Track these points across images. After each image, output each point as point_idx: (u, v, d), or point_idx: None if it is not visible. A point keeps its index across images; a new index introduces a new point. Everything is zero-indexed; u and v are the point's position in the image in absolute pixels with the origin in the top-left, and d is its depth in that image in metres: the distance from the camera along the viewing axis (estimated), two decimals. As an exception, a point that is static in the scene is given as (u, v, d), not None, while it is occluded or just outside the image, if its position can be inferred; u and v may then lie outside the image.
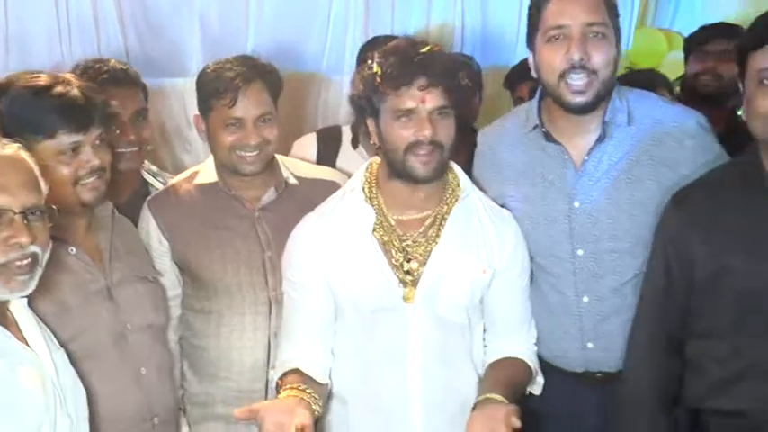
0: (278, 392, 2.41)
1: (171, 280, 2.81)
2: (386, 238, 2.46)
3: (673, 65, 4.38)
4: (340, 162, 3.44)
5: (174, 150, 4.33)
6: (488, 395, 2.30)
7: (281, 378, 2.46)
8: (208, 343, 2.80)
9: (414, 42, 2.43)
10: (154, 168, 3.19)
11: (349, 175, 2.97)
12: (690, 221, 2.34)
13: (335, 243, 2.48)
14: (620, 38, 2.52)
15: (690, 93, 3.84)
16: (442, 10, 4.68)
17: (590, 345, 2.59)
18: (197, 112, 2.80)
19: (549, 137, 2.57)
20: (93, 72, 2.88)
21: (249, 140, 2.69)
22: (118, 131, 2.81)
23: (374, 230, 2.46)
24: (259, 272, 2.76)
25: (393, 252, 2.45)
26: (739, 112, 3.96)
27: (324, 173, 3.00)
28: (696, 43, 3.92)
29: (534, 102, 2.62)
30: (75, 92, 2.34)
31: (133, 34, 4.19)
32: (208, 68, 2.76)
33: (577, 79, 2.43)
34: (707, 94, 3.75)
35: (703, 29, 4.02)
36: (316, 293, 2.49)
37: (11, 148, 2.02)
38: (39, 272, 2.03)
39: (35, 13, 4.03)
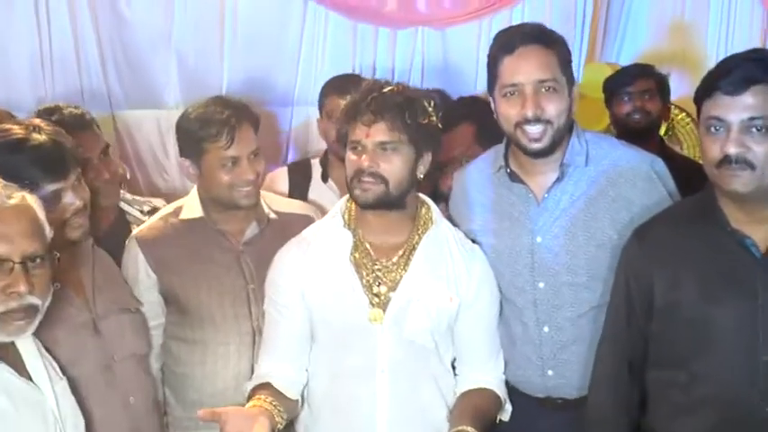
0: (247, 402, 2.45)
1: (155, 310, 2.82)
2: (360, 261, 2.52)
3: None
4: (311, 195, 3.50)
5: (150, 177, 4.37)
6: (460, 428, 2.36)
7: (252, 389, 2.51)
8: (193, 371, 2.82)
9: (378, 83, 2.50)
10: (128, 196, 3.18)
11: (321, 209, 3.08)
12: (650, 254, 2.37)
13: (314, 264, 2.53)
14: (573, 84, 2.59)
15: (622, 130, 3.98)
16: (404, 45, 4.76)
17: (550, 372, 2.64)
18: (182, 158, 2.81)
19: (513, 176, 2.63)
20: (52, 123, 2.76)
21: (247, 176, 2.73)
22: (92, 174, 2.80)
23: (351, 253, 2.52)
24: (243, 303, 2.79)
25: (365, 274, 2.51)
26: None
27: (298, 207, 3.04)
28: (620, 85, 4.05)
29: (502, 145, 2.68)
30: (47, 141, 2.31)
31: (113, 70, 4.23)
32: (190, 114, 2.77)
33: (533, 129, 2.50)
34: (639, 130, 3.91)
35: (623, 72, 4.17)
36: (293, 312, 2.54)
37: (16, 198, 1.99)
38: (38, 318, 2.01)
39: (19, 50, 4.07)
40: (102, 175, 2.89)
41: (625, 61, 4.95)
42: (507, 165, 2.65)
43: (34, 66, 4.09)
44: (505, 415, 2.64)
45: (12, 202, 1.98)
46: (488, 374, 2.62)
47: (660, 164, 2.65)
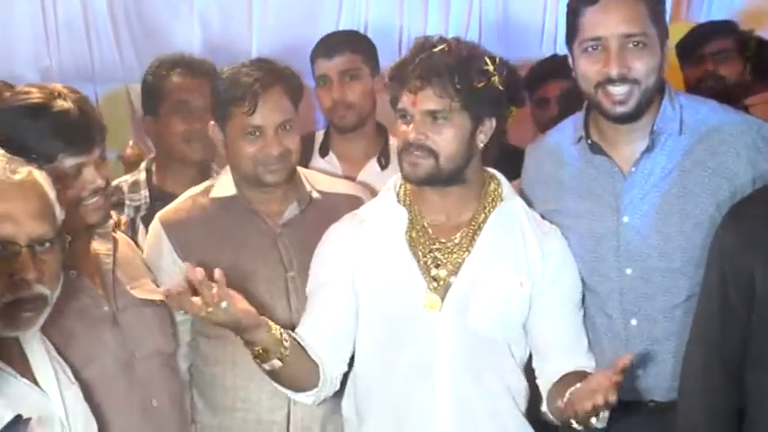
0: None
1: None
2: (417, 241, 2.53)
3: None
4: None
5: None
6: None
7: None
8: (223, 371, 2.81)
9: (428, 41, 2.50)
10: None
11: (372, 190, 3.08)
12: (750, 237, 2.33)
13: (366, 243, 2.56)
14: (666, 38, 2.55)
15: None
16: (458, 8, 4.75)
17: (639, 371, 2.62)
18: (212, 122, 2.83)
19: (595, 148, 2.61)
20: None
21: (271, 150, 2.72)
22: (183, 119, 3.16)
23: (406, 232, 2.53)
24: (281, 294, 2.78)
25: (420, 254, 2.51)
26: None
27: (345, 187, 3.05)
28: (690, 47, 3.99)
29: (581, 113, 2.67)
30: (73, 108, 2.31)
31: (127, 36, 4.26)
32: (223, 73, 2.79)
33: (617, 90, 2.48)
34: (714, 99, 3.77)
35: (694, 31, 4.12)
36: (340, 293, 2.55)
37: (21, 173, 1.93)
38: (47, 310, 1.97)
39: (20, 15, 4.10)
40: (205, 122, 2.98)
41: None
42: (588, 135, 2.63)
43: (37, 32, 4.13)
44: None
45: (17, 177, 1.92)
46: (579, 363, 2.57)
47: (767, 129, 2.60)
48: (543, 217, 2.64)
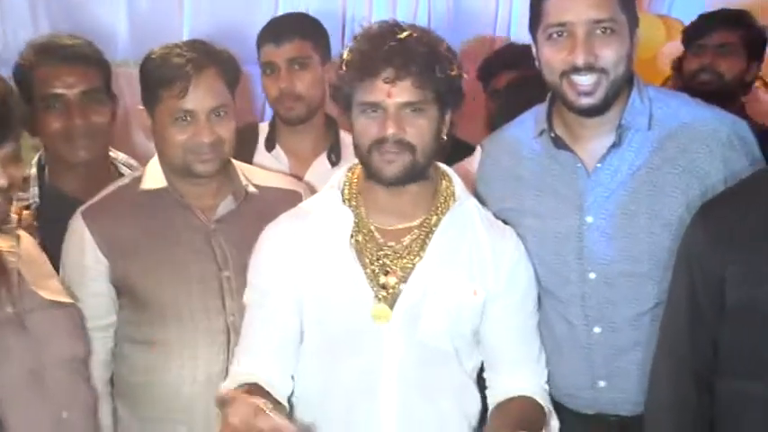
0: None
1: (105, 305, 2.77)
2: (363, 246, 2.49)
3: (671, 56, 4.42)
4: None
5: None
6: None
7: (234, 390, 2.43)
8: (153, 380, 2.77)
9: (391, 26, 2.45)
10: (133, 162, 3.18)
11: (310, 185, 3.06)
12: (719, 237, 2.32)
13: (308, 247, 2.50)
14: (636, 26, 2.53)
15: (690, 93, 3.81)
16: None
17: (601, 383, 2.61)
18: (141, 107, 2.78)
19: (558, 142, 2.60)
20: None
21: (202, 137, 2.68)
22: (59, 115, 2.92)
23: (351, 236, 2.49)
24: (215, 294, 2.75)
25: (368, 261, 2.47)
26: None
27: (283, 181, 3.03)
28: (693, 36, 3.96)
29: (543, 105, 2.65)
30: None
31: (44, 16, 4.18)
32: (153, 54, 2.74)
33: (583, 80, 2.46)
34: (708, 94, 3.66)
35: (701, 18, 4.06)
36: (281, 302, 2.50)
37: None
38: None
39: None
40: (71, 118, 2.93)
41: (680, 13, 4.90)
42: (551, 128, 2.61)
43: None
44: None
45: None
46: (528, 381, 2.57)
47: (743, 127, 2.59)
48: (498, 217, 2.62)
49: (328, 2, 4.59)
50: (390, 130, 2.37)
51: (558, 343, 2.62)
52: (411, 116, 2.38)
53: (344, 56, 2.43)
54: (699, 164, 2.52)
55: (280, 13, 4.45)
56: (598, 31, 2.44)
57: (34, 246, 2.61)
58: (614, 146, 2.55)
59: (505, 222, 2.61)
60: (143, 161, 3.00)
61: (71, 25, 4.14)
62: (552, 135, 2.60)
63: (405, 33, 2.40)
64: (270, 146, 3.49)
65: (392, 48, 2.36)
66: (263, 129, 3.54)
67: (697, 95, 3.54)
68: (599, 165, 2.56)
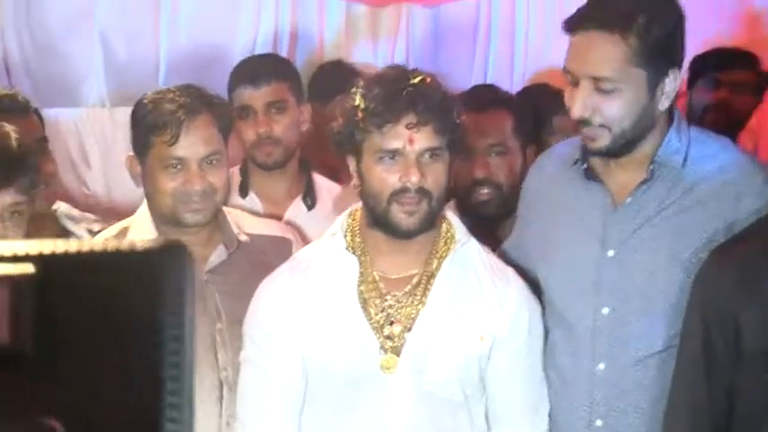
0: None
1: None
2: (366, 295, 2.44)
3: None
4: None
5: (66, 191, 4.10)
6: None
7: None
8: None
9: (403, 71, 2.44)
10: (75, 212, 3.08)
11: (300, 231, 3.03)
12: (736, 279, 2.27)
13: (310, 298, 2.46)
14: (665, 74, 2.39)
15: (695, 125, 3.82)
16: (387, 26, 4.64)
17: (599, 422, 2.52)
18: (130, 152, 2.71)
19: (589, 173, 2.55)
20: None
21: (193, 185, 2.60)
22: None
23: (357, 285, 2.46)
24: (207, 348, 2.65)
25: (372, 312, 2.42)
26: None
27: (273, 228, 2.96)
28: (706, 69, 3.89)
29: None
30: (10, 142, 2.33)
31: (18, 56, 4.08)
32: (145, 98, 2.68)
33: (585, 131, 2.43)
34: (716, 129, 3.63)
35: (719, 52, 4.01)
36: (288, 364, 2.46)
37: None
38: None
39: None
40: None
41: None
42: (585, 159, 2.56)
43: None
44: None
45: None
46: None
47: None
48: (521, 238, 2.65)
49: (307, 35, 4.47)
50: (414, 178, 2.33)
51: (562, 376, 2.56)
52: (429, 162, 2.37)
53: (356, 101, 2.37)
54: (728, 210, 2.46)
55: (259, 48, 4.35)
56: (602, 87, 2.37)
57: None
58: (645, 181, 2.50)
59: (542, 248, 2.61)
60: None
61: (42, 64, 4.11)
62: (584, 167, 2.56)
63: (418, 78, 2.38)
64: (243, 192, 3.37)
65: (411, 93, 2.34)
66: (234, 174, 3.38)
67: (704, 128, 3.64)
68: (628, 199, 2.51)
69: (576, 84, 2.42)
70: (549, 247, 2.60)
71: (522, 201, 2.77)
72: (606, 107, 2.39)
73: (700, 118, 3.80)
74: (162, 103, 2.61)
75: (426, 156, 2.35)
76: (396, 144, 2.33)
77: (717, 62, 3.90)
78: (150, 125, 2.60)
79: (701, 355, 2.30)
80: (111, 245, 0.90)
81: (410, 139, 2.32)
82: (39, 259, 0.88)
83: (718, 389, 2.29)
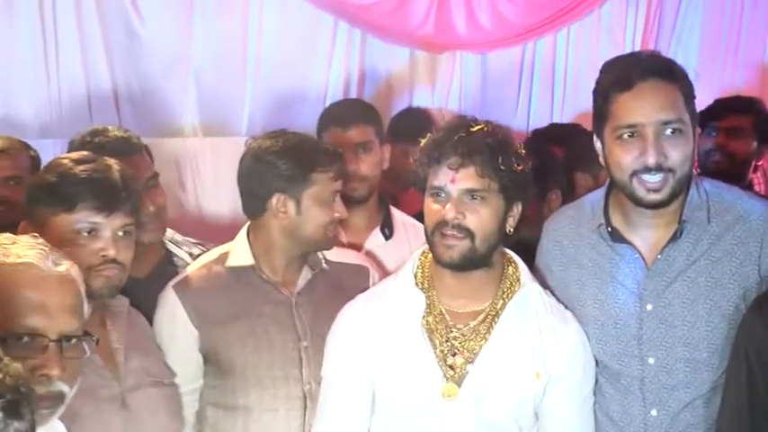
0: None
1: (193, 372, 2.74)
2: (433, 327, 2.45)
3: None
4: None
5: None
6: None
7: None
8: None
9: (467, 120, 2.45)
10: (178, 237, 3.11)
11: (375, 259, 3.07)
12: None
13: (382, 328, 2.47)
14: (697, 123, 2.47)
15: (702, 170, 3.82)
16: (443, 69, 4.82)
17: None
18: (278, 193, 2.78)
19: (615, 236, 2.52)
20: (93, 146, 2.81)
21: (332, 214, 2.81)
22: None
23: (423, 317, 2.45)
24: (294, 363, 2.71)
25: (437, 342, 2.43)
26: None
27: (350, 256, 2.98)
28: (707, 118, 3.89)
29: (600, 197, 2.58)
30: (112, 173, 2.33)
31: (125, 92, 4.24)
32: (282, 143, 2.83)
33: (653, 178, 2.38)
34: (719, 172, 3.70)
35: (716, 103, 4.04)
36: (357, 382, 2.49)
37: (63, 266, 1.84)
38: (62, 408, 1.83)
39: (22, 69, 4.09)
40: (145, 206, 2.78)
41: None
42: (608, 222, 2.53)
43: (39, 86, 4.09)
44: None
45: (59, 269, 1.82)
46: None
47: None
48: (560, 301, 2.55)
49: (374, 77, 4.65)
50: (450, 214, 2.34)
51: (612, 420, 2.54)
52: (472, 203, 2.36)
53: (422, 144, 2.43)
54: (755, 256, 2.46)
55: (331, 88, 4.54)
56: (668, 132, 2.37)
57: (145, 324, 2.61)
58: (673, 238, 2.47)
59: (566, 307, 2.55)
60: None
61: (145, 99, 4.28)
62: (609, 229, 2.52)
63: (477, 127, 2.39)
64: None
65: (461, 138, 2.36)
66: None
67: (709, 173, 3.65)
68: (659, 256, 2.48)
69: (635, 135, 2.38)
70: (587, 308, 2.54)
71: (540, 263, 2.70)
72: (674, 150, 2.37)
73: (702, 166, 3.83)
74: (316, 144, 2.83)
75: (469, 196, 2.35)
76: (440, 182, 2.36)
77: (713, 112, 3.92)
78: (309, 163, 2.76)
79: (748, 406, 2.29)
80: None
81: (452, 178, 2.35)
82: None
83: (762, 425, 2.28)
